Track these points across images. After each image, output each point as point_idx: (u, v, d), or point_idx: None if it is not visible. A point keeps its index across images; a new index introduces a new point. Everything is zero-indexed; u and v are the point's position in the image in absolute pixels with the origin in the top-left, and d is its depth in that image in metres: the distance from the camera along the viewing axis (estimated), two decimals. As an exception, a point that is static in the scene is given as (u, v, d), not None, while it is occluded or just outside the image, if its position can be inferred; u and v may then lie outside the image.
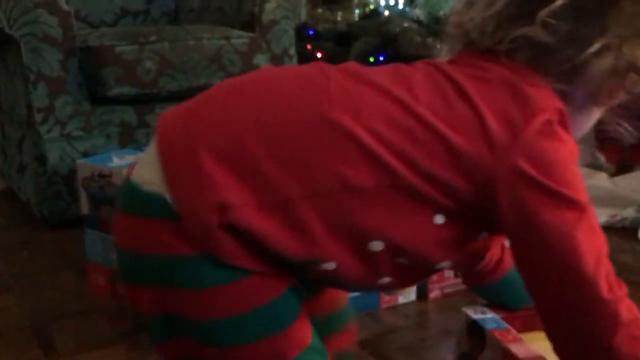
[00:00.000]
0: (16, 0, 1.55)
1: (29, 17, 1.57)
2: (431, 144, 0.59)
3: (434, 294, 1.28)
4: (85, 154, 1.65)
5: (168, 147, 0.60)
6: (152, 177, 0.59)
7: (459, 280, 1.29)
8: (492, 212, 0.61)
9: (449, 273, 1.27)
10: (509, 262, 0.83)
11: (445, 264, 0.65)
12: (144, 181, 0.60)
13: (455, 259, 0.65)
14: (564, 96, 0.63)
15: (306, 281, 0.64)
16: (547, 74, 0.63)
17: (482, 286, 0.86)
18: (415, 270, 0.66)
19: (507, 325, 0.81)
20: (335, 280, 0.63)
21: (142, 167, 0.61)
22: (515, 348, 0.76)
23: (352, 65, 0.65)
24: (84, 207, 1.31)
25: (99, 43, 1.65)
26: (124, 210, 0.62)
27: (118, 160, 1.31)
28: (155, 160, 0.59)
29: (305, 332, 0.63)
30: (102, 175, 1.26)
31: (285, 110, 0.60)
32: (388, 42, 2.23)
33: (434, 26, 2.26)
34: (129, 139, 1.73)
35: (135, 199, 0.60)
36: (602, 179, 1.87)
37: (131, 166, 0.64)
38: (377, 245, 0.60)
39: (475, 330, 0.83)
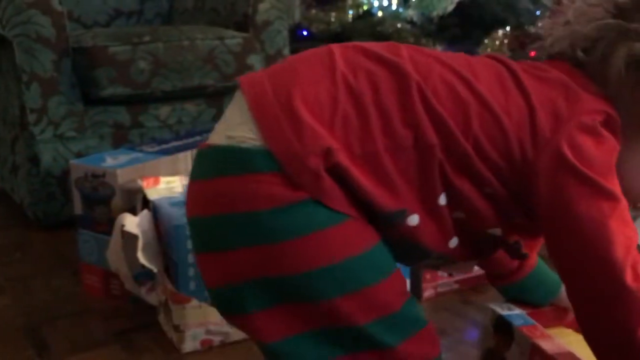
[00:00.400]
0: (9, 1, 1.55)
1: (22, 18, 1.57)
2: (485, 122, 0.64)
3: (428, 293, 1.28)
4: (79, 155, 1.64)
5: (261, 104, 0.61)
6: (247, 135, 0.60)
7: (453, 279, 1.30)
8: (529, 202, 0.65)
9: (442, 272, 1.27)
10: (532, 261, 0.85)
11: (496, 230, 0.69)
12: (239, 140, 0.60)
13: (503, 229, 0.69)
14: (618, 111, 0.67)
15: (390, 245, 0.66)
16: (595, 81, 0.68)
17: (507, 285, 0.87)
18: (473, 233, 0.68)
19: (534, 322, 0.82)
20: (416, 243, 0.65)
21: (231, 130, 0.62)
22: (544, 344, 0.77)
23: (414, 45, 0.70)
24: (77, 208, 1.30)
25: (92, 43, 1.64)
26: (211, 176, 0.62)
27: (111, 161, 1.30)
28: (247, 120, 0.61)
29: (405, 280, 0.67)
30: (95, 176, 1.26)
31: (368, 65, 0.64)
32: (382, 43, 2.23)
33: (427, 27, 2.27)
34: (122, 140, 1.73)
35: (230, 159, 0.61)
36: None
37: (202, 143, 0.65)
38: (442, 200, 0.64)
39: (502, 326, 0.83)
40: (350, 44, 0.68)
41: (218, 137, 0.63)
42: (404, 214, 0.63)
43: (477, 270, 1.29)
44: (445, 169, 0.63)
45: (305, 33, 2.47)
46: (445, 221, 0.65)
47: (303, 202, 0.59)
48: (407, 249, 0.67)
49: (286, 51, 1.99)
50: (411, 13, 2.30)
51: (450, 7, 2.24)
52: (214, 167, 0.62)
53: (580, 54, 0.69)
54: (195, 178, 0.64)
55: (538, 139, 0.63)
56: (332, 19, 2.41)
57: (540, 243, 0.77)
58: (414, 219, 0.63)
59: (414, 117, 0.62)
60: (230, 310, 0.64)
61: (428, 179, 0.63)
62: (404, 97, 0.62)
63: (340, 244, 0.60)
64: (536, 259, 0.86)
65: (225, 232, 0.61)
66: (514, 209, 0.67)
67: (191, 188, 0.65)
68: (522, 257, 0.80)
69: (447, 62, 0.66)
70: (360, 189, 0.60)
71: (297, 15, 2.07)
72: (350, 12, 2.43)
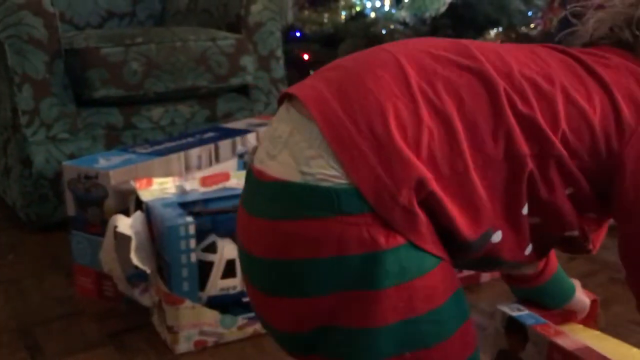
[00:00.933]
0: (0, 2, 1.54)
1: (14, 19, 1.56)
2: (572, 117, 0.60)
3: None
4: (71, 157, 1.64)
5: (339, 134, 0.54)
6: (327, 172, 0.54)
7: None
8: (607, 195, 0.63)
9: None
10: (554, 265, 0.84)
11: (574, 232, 0.66)
12: (318, 178, 0.54)
13: (579, 230, 0.66)
14: None
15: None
16: None
17: (528, 288, 0.85)
18: (548, 237, 0.66)
19: (545, 320, 0.81)
20: (494, 257, 0.62)
21: (305, 164, 0.55)
22: (561, 341, 0.76)
23: (475, 41, 0.65)
24: (70, 209, 1.30)
25: (85, 45, 1.64)
26: (288, 217, 0.55)
27: (104, 162, 1.30)
28: (323, 153, 0.54)
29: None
30: (88, 177, 1.25)
31: (444, 72, 0.58)
32: (374, 44, 2.23)
33: (420, 28, 2.27)
34: (115, 141, 1.73)
35: (311, 200, 0.54)
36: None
37: (258, 169, 0.58)
38: (525, 209, 0.61)
39: (514, 327, 0.83)
40: (409, 46, 0.62)
41: (285, 169, 0.55)
42: (487, 237, 0.59)
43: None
44: (534, 177, 0.59)
45: (298, 34, 2.47)
46: (524, 230, 0.62)
47: (396, 248, 0.54)
48: (482, 263, 0.64)
49: (279, 52, 1.99)
50: (404, 14, 2.30)
51: (443, 8, 2.25)
52: (291, 208, 0.55)
53: (627, 35, 0.67)
54: (262, 216, 0.57)
55: (623, 129, 0.61)
56: (325, 20, 2.41)
57: (601, 237, 0.72)
58: (497, 236, 0.60)
59: (505, 126, 0.58)
60: (310, 352, 0.59)
61: (516, 190, 0.59)
62: (492, 106, 0.58)
63: (430, 293, 0.55)
64: (557, 263, 0.84)
65: (306, 278, 0.55)
66: (591, 204, 0.64)
67: (255, 225, 0.57)
68: (587, 252, 0.75)
69: (520, 58, 0.62)
70: (447, 218, 0.55)
71: (290, 17, 2.07)
72: (343, 13, 2.43)
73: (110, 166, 1.27)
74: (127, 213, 1.17)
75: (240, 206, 0.61)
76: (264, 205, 0.57)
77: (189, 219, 1.07)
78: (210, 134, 1.57)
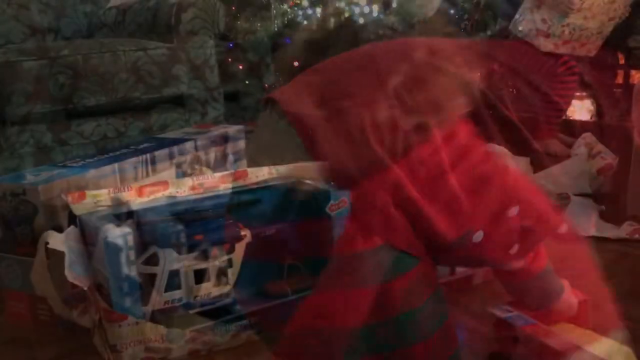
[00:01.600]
0: None
1: None
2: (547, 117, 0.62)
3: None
4: (-3, 178, 1.55)
5: (317, 137, 0.56)
6: (305, 175, 0.56)
7: (443, 278, 1.28)
8: None
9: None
10: (543, 262, 0.83)
11: (563, 229, 0.68)
12: (298, 182, 0.56)
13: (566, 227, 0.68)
14: None
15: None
16: None
17: (512, 282, 0.85)
18: (535, 236, 0.67)
19: (534, 321, 0.82)
20: (477, 257, 0.63)
21: (284, 167, 0.57)
22: (550, 341, 0.77)
23: (433, 39, 0.66)
24: (-3, 231, 1.22)
25: (5, 59, 1.56)
26: (269, 220, 0.58)
27: (32, 178, 1.22)
28: (303, 157, 0.56)
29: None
30: (14, 194, 1.18)
31: (426, 76, 0.59)
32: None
33: (408, 33, 2.29)
34: (45, 160, 1.64)
35: (290, 202, 0.57)
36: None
37: (242, 173, 0.60)
38: (513, 211, 0.62)
39: (504, 328, 0.83)
40: (387, 48, 0.64)
41: (267, 174, 0.58)
42: (467, 238, 0.60)
43: (460, 272, 1.28)
44: (516, 179, 0.61)
45: (287, 41, 2.45)
46: (510, 231, 0.63)
47: (374, 249, 0.55)
48: (465, 261, 0.66)
49: (212, 61, 1.94)
50: (392, 19, 2.32)
51: (431, 13, 2.27)
52: (274, 211, 0.59)
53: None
54: (248, 221, 0.60)
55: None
56: (314, 27, 2.41)
57: None
58: (478, 237, 0.61)
59: (482, 124, 0.59)
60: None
61: (499, 192, 0.60)
62: (470, 109, 0.60)
63: (409, 293, 0.57)
64: (547, 261, 0.84)
65: (291, 278, 0.58)
66: None
67: (242, 229, 0.60)
68: None
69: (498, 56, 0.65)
70: (424, 220, 0.57)
71: (222, 25, 2.03)
72: (332, 19, 2.43)
73: (38, 181, 1.19)
74: (60, 230, 1.10)
75: (228, 212, 0.63)
76: (249, 210, 0.60)
77: (127, 230, 1.01)
78: (145, 145, 1.50)
